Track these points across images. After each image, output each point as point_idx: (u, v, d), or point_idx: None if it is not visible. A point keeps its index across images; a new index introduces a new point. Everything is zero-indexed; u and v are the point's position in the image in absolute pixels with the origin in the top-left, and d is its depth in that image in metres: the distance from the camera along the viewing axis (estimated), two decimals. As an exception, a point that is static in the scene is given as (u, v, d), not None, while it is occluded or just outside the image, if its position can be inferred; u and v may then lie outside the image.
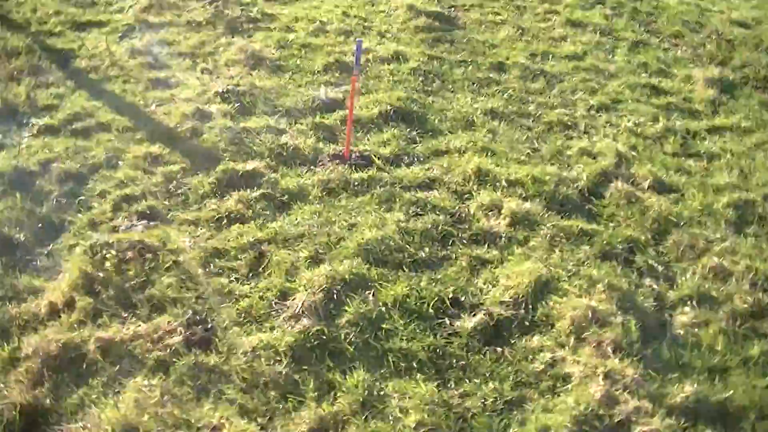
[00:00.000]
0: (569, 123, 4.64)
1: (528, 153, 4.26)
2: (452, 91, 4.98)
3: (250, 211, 3.54)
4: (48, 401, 2.53)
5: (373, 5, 6.45)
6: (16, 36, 5.27)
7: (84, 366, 2.66)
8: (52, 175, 3.81)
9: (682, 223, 3.66)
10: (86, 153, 4.01)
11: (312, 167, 3.95)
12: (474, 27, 6.20)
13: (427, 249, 3.34)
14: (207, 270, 3.17)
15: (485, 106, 4.76)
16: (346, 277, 3.07)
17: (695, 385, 2.68)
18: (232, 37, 5.46)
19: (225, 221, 3.48)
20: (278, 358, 2.71)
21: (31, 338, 2.77)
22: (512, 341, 2.89)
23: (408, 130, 4.38)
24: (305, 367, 2.69)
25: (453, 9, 6.55)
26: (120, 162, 3.96)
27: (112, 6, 5.94)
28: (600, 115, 4.79)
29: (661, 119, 4.72)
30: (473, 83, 5.11)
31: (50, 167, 3.86)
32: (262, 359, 2.70)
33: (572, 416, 2.50)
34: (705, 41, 6.24)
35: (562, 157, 4.25)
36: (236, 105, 4.47)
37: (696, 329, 3.00)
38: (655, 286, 3.22)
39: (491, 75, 5.27)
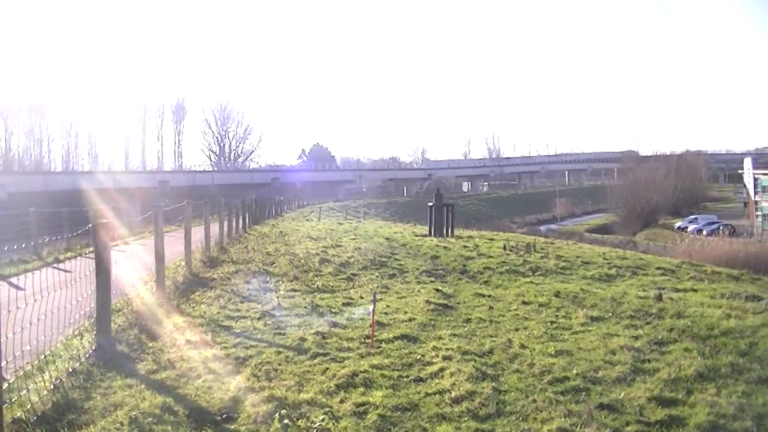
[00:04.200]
0: (493, 334, 8.74)
1: (459, 333, 8.34)
2: (438, 329, 9.27)
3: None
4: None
5: (406, 304, 11.19)
6: (200, 318, 10.06)
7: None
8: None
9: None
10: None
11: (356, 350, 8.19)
12: (463, 308, 10.73)
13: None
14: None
15: (452, 331, 8.98)
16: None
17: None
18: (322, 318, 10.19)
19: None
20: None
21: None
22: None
23: (407, 341, 8.61)
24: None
25: (458, 303, 11.21)
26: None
27: (254, 307, 10.91)
28: (512, 331, 8.87)
29: (543, 329, 8.76)
30: (450, 325, 9.42)
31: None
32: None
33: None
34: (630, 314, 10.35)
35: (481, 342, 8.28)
36: (319, 338, 8.90)
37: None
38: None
39: (462, 323, 9.58)
